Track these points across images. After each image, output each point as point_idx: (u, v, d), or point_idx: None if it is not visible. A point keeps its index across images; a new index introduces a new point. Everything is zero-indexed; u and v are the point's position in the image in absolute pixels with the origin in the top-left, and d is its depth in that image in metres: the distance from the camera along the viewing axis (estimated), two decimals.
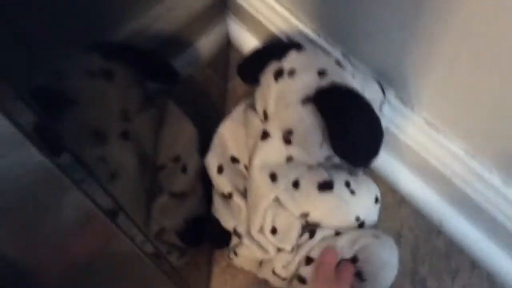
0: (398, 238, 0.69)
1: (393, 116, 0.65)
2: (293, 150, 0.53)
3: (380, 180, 0.72)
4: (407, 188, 0.72)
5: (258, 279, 0.64)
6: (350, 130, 0.51)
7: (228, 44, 0.81)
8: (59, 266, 0.33)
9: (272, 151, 0.53)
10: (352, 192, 0.58)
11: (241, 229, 0.56)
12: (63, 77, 0.50)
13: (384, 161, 0.71)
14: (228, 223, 0.58)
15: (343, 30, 0.61)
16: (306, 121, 0.51)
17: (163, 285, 0.47)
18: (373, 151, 0.53)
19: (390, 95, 0.64)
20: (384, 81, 0.63)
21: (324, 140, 0.52)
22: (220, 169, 0.58)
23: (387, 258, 0.58)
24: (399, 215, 0.71)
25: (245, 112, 0.57)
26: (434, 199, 0.70)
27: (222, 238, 0.59)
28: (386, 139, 0.62)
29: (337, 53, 0.58)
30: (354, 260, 0.57)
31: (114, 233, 0.34)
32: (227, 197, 0.58)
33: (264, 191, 0.53)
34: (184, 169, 0.59)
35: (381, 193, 0.65)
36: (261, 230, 0.55)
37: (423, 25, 0.53)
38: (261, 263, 0.61)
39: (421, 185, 0.71)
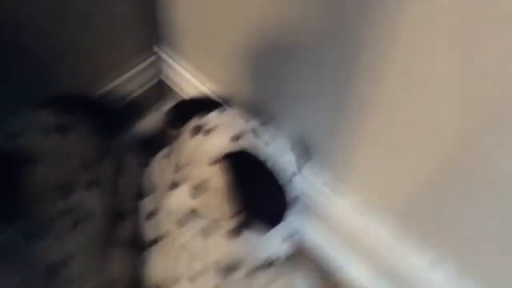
0: None
1: (318, 196, 0.68)
2: (198, 205, 0.56)
3: (315, 262, 0.75)
4: (343, 271, 0.73)
5: None
6: (250, 195, 0.53)
7: None
8: None
9: (178, 202, 0.56)
10: (260, 235, 0.60)
11: (162, 284, 0.60)
12: (17, 137, 0.53)
13: (321, 246, 0.74)
14: (152, 280, 0.61)
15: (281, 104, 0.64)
16: (212, 180, 0.54)
17: None
18: (275, 216, 0.54)
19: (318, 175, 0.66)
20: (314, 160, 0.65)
21: (228, 199, 0.54)
22: (150, 215, 0.62)
23: None
24: None
25: (161, 160, 0.61)
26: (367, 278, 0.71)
27: None
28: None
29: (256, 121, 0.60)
30: None
31: None
32: (151, 245, 0.61)
33: (173, 236, 0.57)
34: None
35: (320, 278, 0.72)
36: (179, 277, 0.59)
37: (347, 108, 0.54)
38: None
39: (355, 266, 0.72)
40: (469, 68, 0.40)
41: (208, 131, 0.55)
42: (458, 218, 0.54)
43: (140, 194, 0.62)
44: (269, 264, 0.64)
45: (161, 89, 0.83)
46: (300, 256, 0.75)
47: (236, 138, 0.55)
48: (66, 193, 0.55)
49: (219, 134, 0.54)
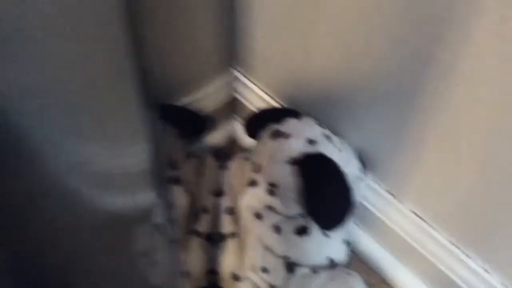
0: None
1: (379, 203, 0.72)
2: (274, 201, 0.62)
3: (370, 268, 0.80)
4: (397, 279, 0.77)
5: None
6: (322, 196, 0.59)
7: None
8: None
9: (257, 198, 0.63)
10: (326, 235, 0.65)
11: (239, 272, 0.66)
12: None
13: (377, 253, 0.78)
14: (227, 269, 0.67)
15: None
16: (289, 179, 0.60)
17: None
18: (339, 217, 0.60)
19: (379, 185, 0.71)
20: (375, 172, 0.71)
21: (300, 198, 0.60)
22: (229, 211, 0.69)
23: None
24: None
25: (242, 162, 0.68)
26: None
27: None
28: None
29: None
30: None
31: None
32: (228, 237, 0.67)
33: (250, 227, 0.63)
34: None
35: (371, 284, 0.75)
36: (252, 269, 0.65)
37: (410, 127, 0.60)
38: None
39: (409, 275, 0.76)
40: None
41: (287, 135, 0.62)
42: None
43: (220, 192, 0.69)
44: (330, 264, 0.68)
45: (235, 105, 0.91)
46: (357, 262, 0.79)
47: (313, 141, 0.61)
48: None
49: (297, 137, 0.61)
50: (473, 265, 0.64)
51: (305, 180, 0.59)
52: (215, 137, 0.92)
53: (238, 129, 0.94)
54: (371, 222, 0.75)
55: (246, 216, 0.63)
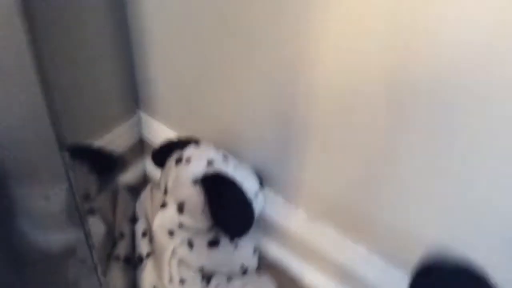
0: None
1: (278, 211, 0.83)
2: (184, 218, 0.71)
3: (281, 271, 0.89)
4: (304, 277, 0.87)
5: None
6: (224, 208, 0.68)
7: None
8: None
9: (168, 217, 0.71)
10: (236, 246, 0.75)
11: (159, 285, 0.72)
12: None
13: (284, 257, 0.88)
14: (147, 286, 0.73)
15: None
16: (195, 197, 0.69)
17: None
18: (244, 227, 0.69)
19: (276, 195, 0.82)
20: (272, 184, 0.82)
21: (207, 213, 0.69)
22: (144, 234, 0.76)
23: None
24: None
25: (151, 190, 0.77)
26: (325, 280, 0.85)
27: None
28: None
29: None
30: None
31: None
32: (145, 258, 0.74)
33: (164, 244, 0.70)
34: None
35: (283, 284, 0.85)
36: (171, 281, 0.71)
37: (293, 143, 0.72)
38: None
39: (313, 271, 0.86)
40: None
41: (188, 159, 0.71)
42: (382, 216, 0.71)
43: (134, 218, 0.76)
44: (243, 271, 0.78)
45: (143, 145, 0.99)
46: (267, 267, 0.89)
47: (211, 162, 0.71)
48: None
49: (197, 160, 0.70)
50: (361, 250, 0.76)
51: (207, 196, 0.68)
52: (127, 177, 0.98)
53: (149, 166, 1.01)
54: (274, 229, 0.86)
55: (160, 234, 0.70)
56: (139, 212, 0.78)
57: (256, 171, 0.81)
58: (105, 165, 0.82)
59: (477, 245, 0.62)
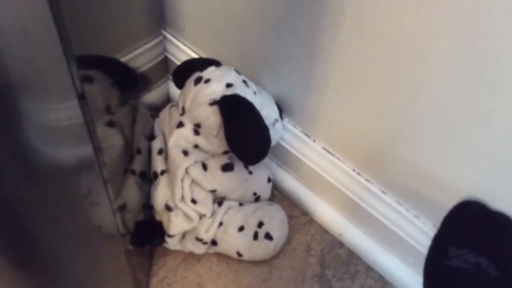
0: (308, 250, 0.84)
1: (296, 143, 0.82)
2: (199, 140, 0.70)
3: (293, 203, 0.90)
4: (315, 210, 0.88)
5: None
6: (239, 131, 0.67)
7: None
8: None
9: (184, 137, 0.71)
10: (250, 173, 0.75)
11: (170, 203, 0.73)
12: None
13: (297, 189, 0.89)
14: (160, 201, 0.75)
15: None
16: (210, 119, 0.68)
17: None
18: (258, 153, 0.68)
19: (295, 127, 0.82)
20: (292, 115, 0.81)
21: (222, 136, 0.69)
22: (160, 151, 0.76)
23: (282, 217, 0.80)
24: (309, 232, 0.87)
25: (170, 109, 0.77)
26: (335, 215, 0.85)
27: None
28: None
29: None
30: (260, 224, 0.76)
31: None
32: (160, 175, 0.75)
33: (178, 162, 0.71)
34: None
35: (294, 216, 0.87)
36: (182, 199, 0.73)
37: (317, 74, 0.70)
38: (183, 237, 0.77)
39: (324, 205, 0.86)
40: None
41: (208, 80, 0.70)
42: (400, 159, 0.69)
43: (151, 136, 0.77)
44: (255, 199, 0.78)
45: (167, 65, 0.98)
46: (279, 198, 0.89)
47: (230, 85, 0.69)
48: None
49: (217, 82, 0.69)
50: (372, 188, 0.76)
51: (224, 118, 0.67)
52: (151, 97, 0.98)
53: (172, 87, 1.01)
54: (290, 161, 0.86)
55: (174, 153, 0.71)
56: (157, 130, 0.79)
57: (278, 100, 0.79)
58: (127, 79, 0.82)
59: None
